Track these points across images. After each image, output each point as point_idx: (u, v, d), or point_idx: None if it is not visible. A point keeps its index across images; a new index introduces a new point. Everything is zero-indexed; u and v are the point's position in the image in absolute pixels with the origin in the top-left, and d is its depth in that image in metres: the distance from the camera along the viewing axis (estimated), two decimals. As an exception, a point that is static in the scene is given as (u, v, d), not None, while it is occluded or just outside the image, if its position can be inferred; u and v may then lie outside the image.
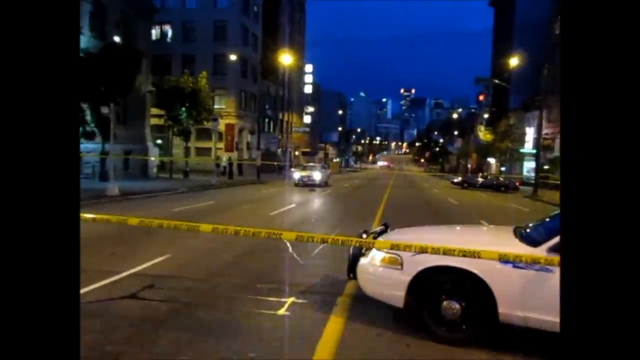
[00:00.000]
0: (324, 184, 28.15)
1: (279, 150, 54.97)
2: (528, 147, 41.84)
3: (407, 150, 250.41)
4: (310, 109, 70.89)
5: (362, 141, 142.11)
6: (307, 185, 26.17)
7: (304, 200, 18.51)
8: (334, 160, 78.03)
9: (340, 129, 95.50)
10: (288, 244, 7.42)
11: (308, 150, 71.62)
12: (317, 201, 18.53)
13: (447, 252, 3.50)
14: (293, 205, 15.80)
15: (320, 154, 77.12)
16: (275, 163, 44.59)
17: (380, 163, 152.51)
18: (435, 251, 3.50)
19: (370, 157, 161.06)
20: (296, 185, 26.75)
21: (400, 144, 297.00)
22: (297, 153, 65.91)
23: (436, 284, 3.95)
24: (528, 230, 4.46)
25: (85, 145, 20.46)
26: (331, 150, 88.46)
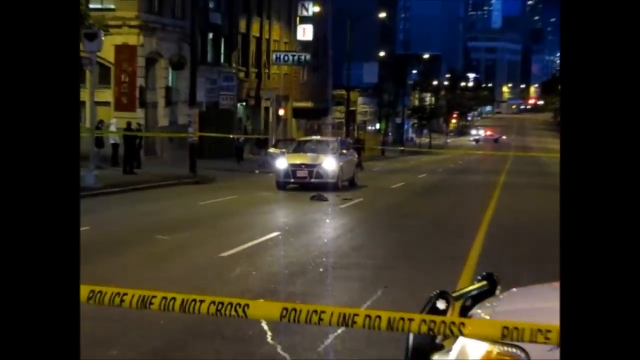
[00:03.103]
0: (345, 183, 28.57)
1: (241, 107, 55.27)
2: None
3: (539, 102, 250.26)
4: (313, 10, 71.00)
5: (435, 83, 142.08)
6: (305, 186, 26.63)
7: (298, 222, 18.79)
8: (369, 128, 78.36)
9: (382, 54, 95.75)
10: (265, 326, 7.53)
11: (308, 105, 72.02)
12: (329, 225, 18.69)
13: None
14: (274, 234, 15.97)
15: (337, 114, 77.45)
16: (232, 136, 44.87)
17: (476, 133, 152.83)
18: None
19: (454, 121, 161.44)
20: (280, 187, 27.29)
21: (522, 87, 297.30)
22: (281, 112, 66.23)
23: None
24: None
25: None
26: (362, 105, 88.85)
